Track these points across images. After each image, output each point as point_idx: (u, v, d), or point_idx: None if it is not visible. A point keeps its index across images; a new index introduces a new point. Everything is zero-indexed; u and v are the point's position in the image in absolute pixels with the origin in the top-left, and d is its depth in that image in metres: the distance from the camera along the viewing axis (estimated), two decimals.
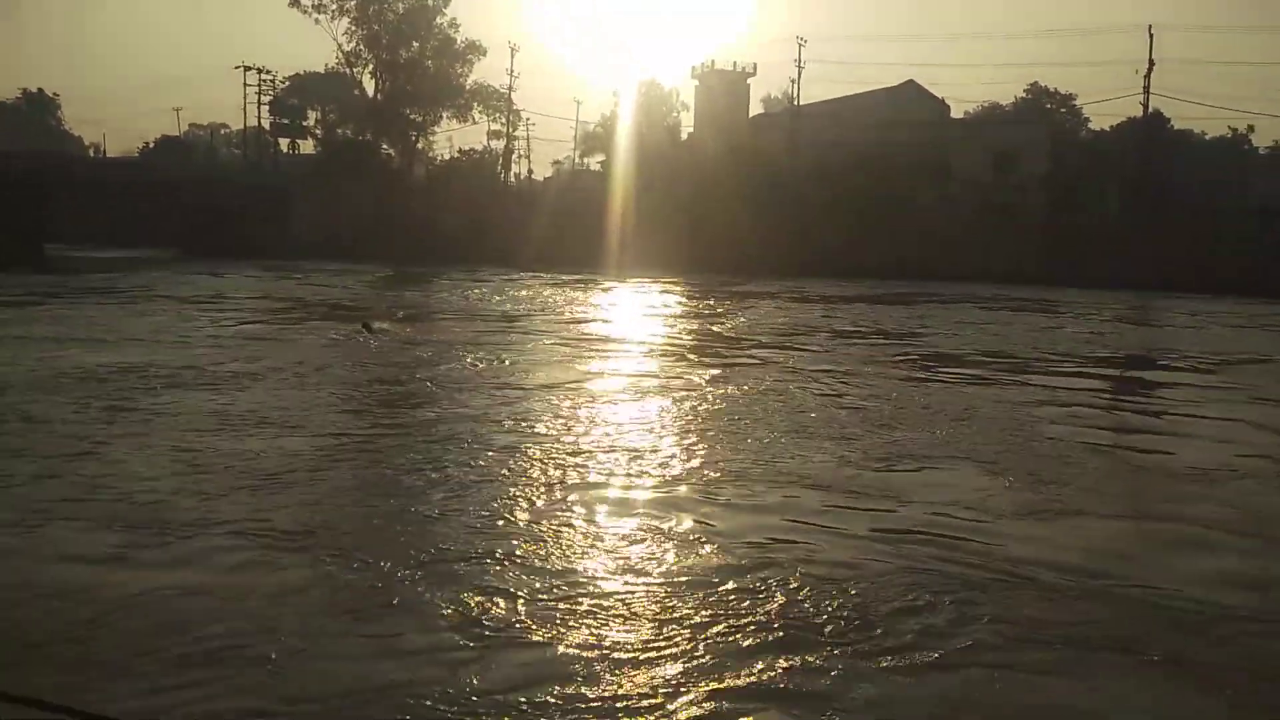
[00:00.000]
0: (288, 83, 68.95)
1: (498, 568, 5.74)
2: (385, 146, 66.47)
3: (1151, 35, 50.58)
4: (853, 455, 9.04)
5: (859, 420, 10.64)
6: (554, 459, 8.45)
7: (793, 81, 58.90)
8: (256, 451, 8.30)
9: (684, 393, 12.11)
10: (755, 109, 72.70)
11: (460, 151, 71.56)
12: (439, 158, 71.38)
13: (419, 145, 68.13)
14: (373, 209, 51.32)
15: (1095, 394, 13.52)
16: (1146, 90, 51.53)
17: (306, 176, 60.37)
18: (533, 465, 8.25)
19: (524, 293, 29.68)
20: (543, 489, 7.54)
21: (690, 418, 10.58)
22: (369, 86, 65.22)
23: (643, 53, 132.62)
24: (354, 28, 63.02)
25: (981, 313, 25.98)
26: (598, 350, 16.47)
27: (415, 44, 63.79)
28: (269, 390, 11.38)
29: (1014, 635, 5.05)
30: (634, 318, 22.64)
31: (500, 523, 6.65)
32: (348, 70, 65.18)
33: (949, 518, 7.14)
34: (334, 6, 62.45)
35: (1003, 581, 5.82)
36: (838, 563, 6.06)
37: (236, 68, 65.23)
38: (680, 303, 27.14)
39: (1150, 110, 53.33)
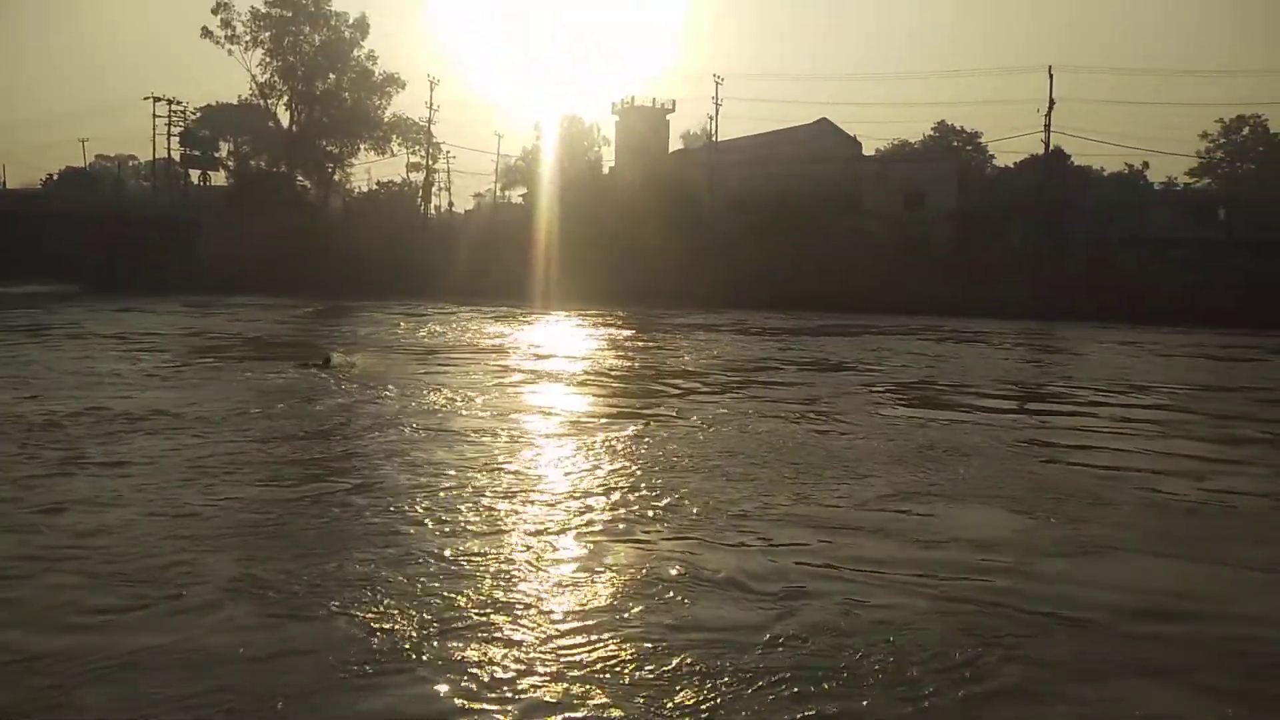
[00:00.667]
0: (199, 114, 67.64)
1: (509, 629, 5.28)
2: (301, 178, 65.60)
3: (1051, 76, 52.96)
4: (868, 494, 8.58)
5: (862, 457, 10.15)
6: (559, 505, 7.93)
7: (711, 118, 60.03)
8: (239, 500, 7.68)
9: (671, 431, 11.47)
10: (675, 144, 73.89)
11: (379, 184, 71.05)
12: (357, 190, 70.73)
13: (336, 177, 67.42)
14: (288, 242, 50.42)
15: (1087, 425, 13.10)
16: (1047, 128, 53.86)
17: (218, 209, 59.11)
18: (534, 510, 7.76)
19: (464, 326, 29.04)
20: (549, 539, 7.01)
21: (683, 458, 9.89)
22: (284, 118, 64.49)
23: (563, 88, 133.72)
24: (268, 59, 62.38)
25: (924, 344, 26.11)
26: (570, 387, 15.73)
27: (332, 75, 63.29)
28: (237, 431, 10.63)
29: (1092, 677, 4.87)
30: (589, 352, 21.91)
31: (502, 581, 6.04)
32: (262, 101, 64.29)
33: (988, 558, 6.80)
34: (248, 38, 61.78)
35: (1065, 622, 5.62)
36: (880, 606, 5.76)
37: (146, 98, 63.84)
38: (628, 336, 26.56)
39: (1051, 147, 55.69)
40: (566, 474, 9.07)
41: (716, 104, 59.10)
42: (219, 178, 69.91)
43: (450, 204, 79.31)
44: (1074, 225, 52.11)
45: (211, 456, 9.27)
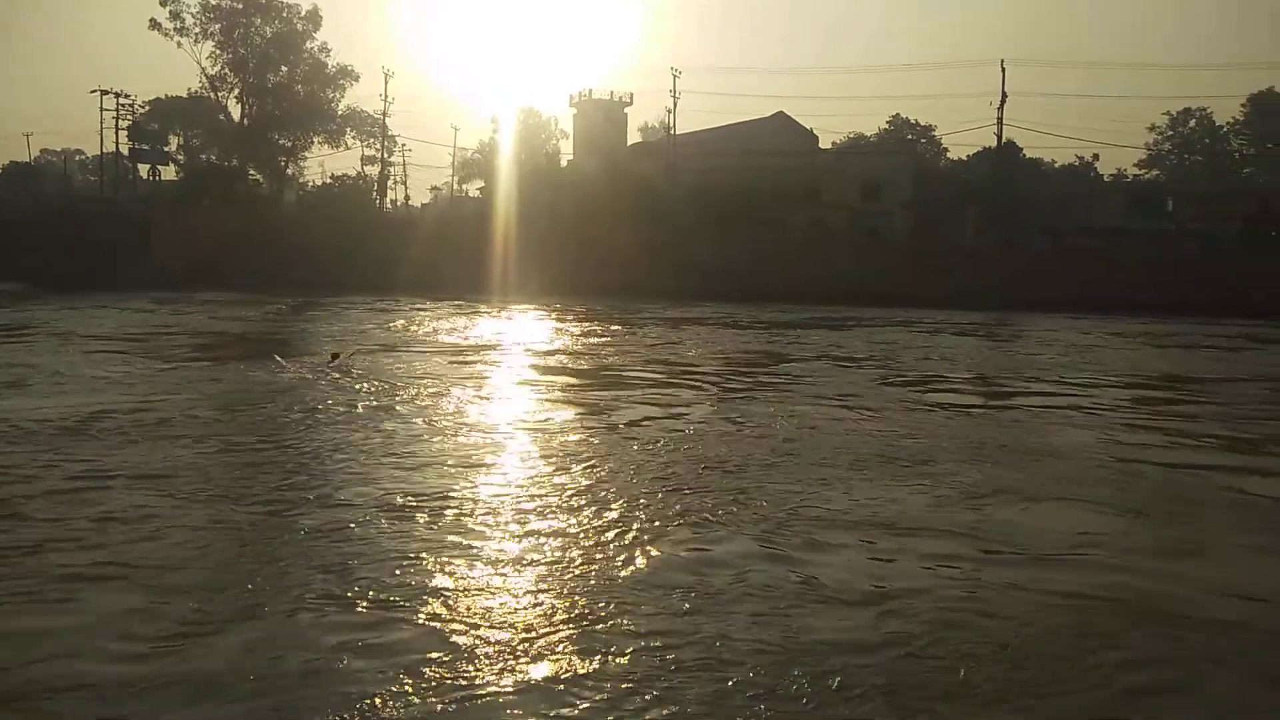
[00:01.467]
0: (148, 107, 66.26)
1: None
2: (253, 172, 64.60)
3: (1004, 70, 53.63)
4: (943, 493, 8.10)
5: (920, 455, 9.61)
6: (641, 508, 7.39)
7: (669, 111, 60.01)
8: (313, 520, 6.92)
9: (725, 428, 10.94)
10: (633, 137, 74.00)
11: (333, 177, 70.21)
12: (311, 184, 69.86)
13: (289, 171, 66.51)
14: (241, 237, 49.62)
15: (1131, 417, 12.93)
16: (1000, 121, 54.50)
17: (169, 204, 58.00)
18: (625, 513, 7.21)
19: (448, 320, 28.12)
20: (644, 545, 6.46)
21: (747, 456, 9.28)
22: (235, 111, 63.45)
23: (520, 80, 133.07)
24: (218, 51, 61.33)
25: (917, 335, 26.03)
26: (596, 385, 14.82)
27: (284, 68, 62.37)
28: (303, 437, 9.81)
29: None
30: (589, 348, 20.84)
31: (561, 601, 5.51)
32: (212, 94, 63.18)
33: (1090, 557, 6.53)
34: (197, 29, 60.70)
35: (1186, 622, 5.39)
36: (992, 615, 5.41)
37: (93, 91, 62.44)
38: (617, 331, 25.53)
39: (1003, 140, 56.41)
40: (633, 477, 8.46)
41: (674, 97, 59.17)
42: (169, 172, 68.64)
43: (406, 197, 78.72)
44: (1026, 216, 52.89)
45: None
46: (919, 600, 5.57)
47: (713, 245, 45.54)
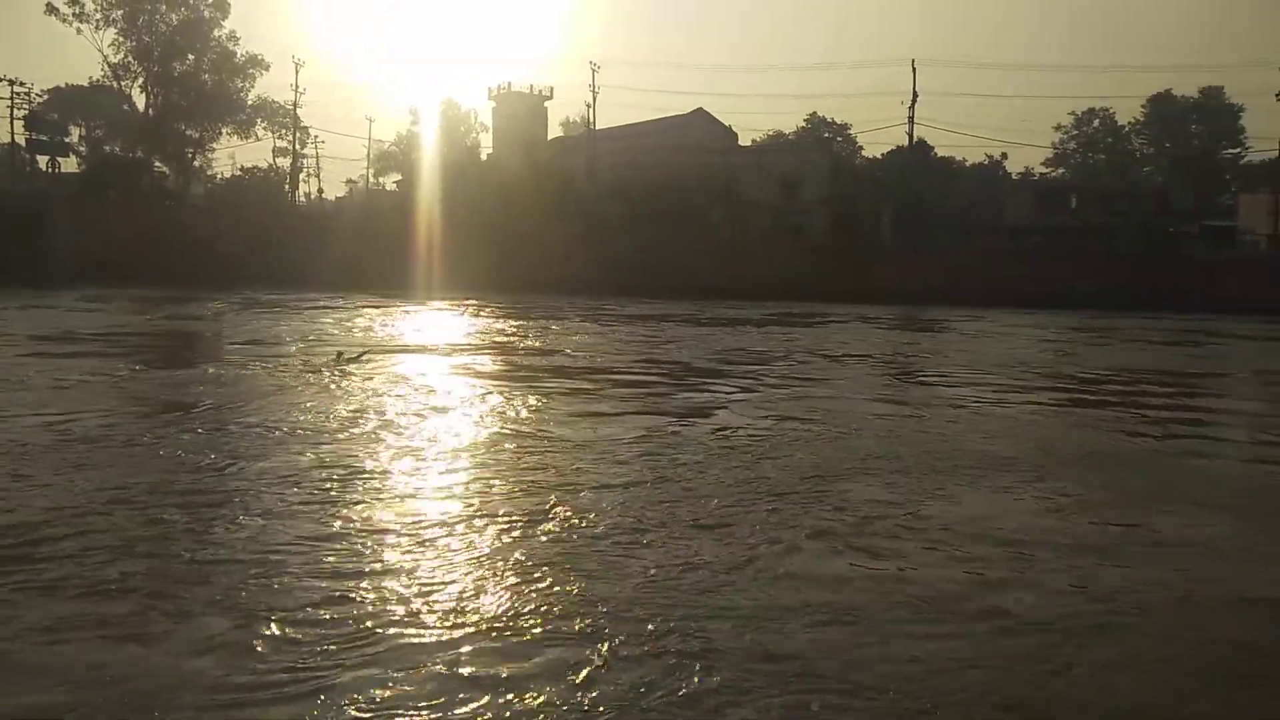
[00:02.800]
0: (46, 96, 63.55)
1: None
2: (159, 164, 62.51)
3: (915, 69, 54.78)
4: (1047, 503, 7.64)
5: (990, 458, 9.15)
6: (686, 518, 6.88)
7: (588, 106, 59.82)
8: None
9: (775, 427, 10.52)
10: (554, 131, 73.58)
11: (243, 169, 68.35)
12: (220, 176, 67.96)
13: (196, 163, 64.62)
14: (146, 230, 47.96)
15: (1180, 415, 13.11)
16: (911, 120, 55.67)
17: (69, 196, 55.77)
18: (695, 528, 6.70)
19: (404, 319, 27.06)
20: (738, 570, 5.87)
21: (828, 460, 8.85)
22: (139, 101, 61.27)
23: (438, 72, 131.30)
24: (121, 39, 59.08)
25: (892, 334, 26.42)
26: (598, 387, 14.08)
27: (191, 57, 60.42)
28: (347, 446, 9.19)
29: None
30: (574, 347, 20.12)
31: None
32: (115, 84, 60.88)
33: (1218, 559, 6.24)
34: (98, 16, 58.40)
35: None
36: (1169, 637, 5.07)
37: None
38: (586, 329, 24.83)
39: (915, 139, 57.64)
40: (699, 485, 7.95)
41: (594, 91, 58.99)
42: (70, 164, 65.98)
43: (320, 190, 77.09)
44: (938, 213, 54.18)
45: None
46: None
47: (637, 241, 45.66)
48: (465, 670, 4.33)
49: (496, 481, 7.87)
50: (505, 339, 21.87)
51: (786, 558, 6.07)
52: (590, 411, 11.64)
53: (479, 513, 6.86)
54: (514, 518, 6.72)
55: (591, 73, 58.68)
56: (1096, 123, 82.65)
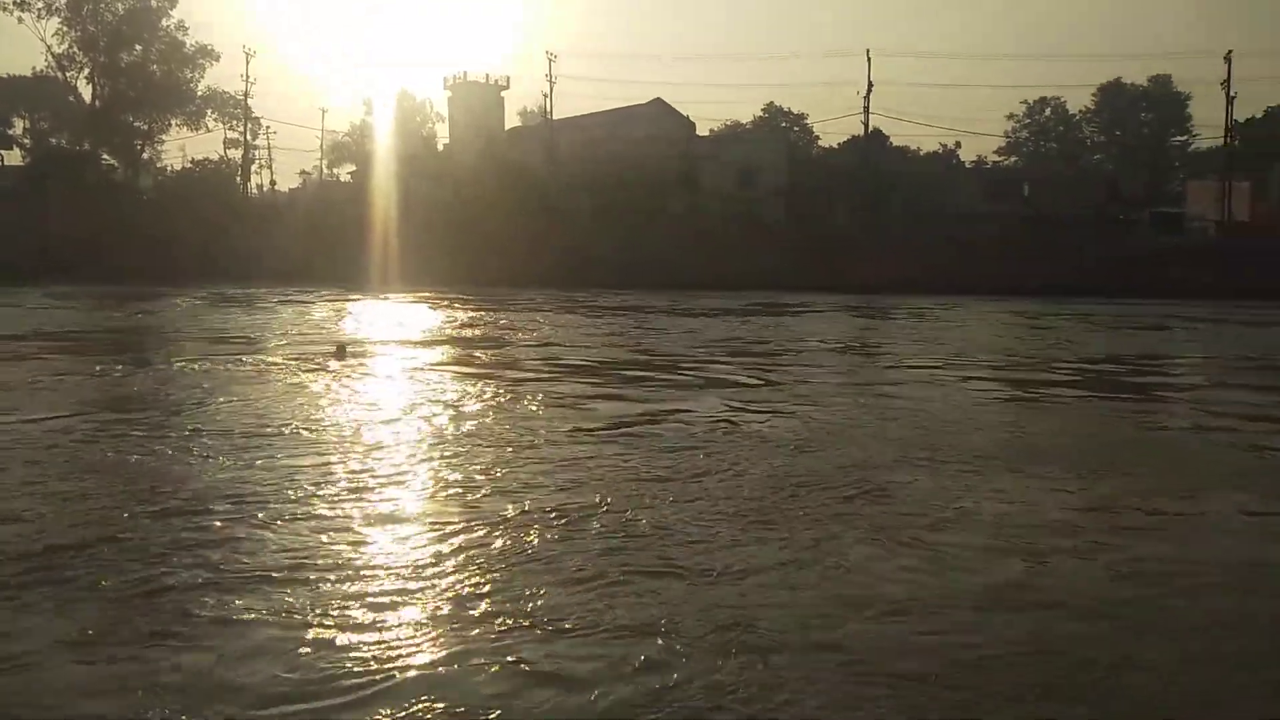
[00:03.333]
0: None
1: None
2: (107, 157, 61.29)
3: (870, 59, 55.20)
4: (1088, 491, 7.44)
5: (1027, 451, 8.93)
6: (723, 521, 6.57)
7: (546, 96, 59.57)
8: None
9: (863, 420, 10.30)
10: (512, 121, 73.07)
11: (194, 161, 67.19)
12: (170, 168, 66.76)
13: (145, 155, 63.37)
14: (94, 224, 47.08)
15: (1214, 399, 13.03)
16: (867, 110, 56.18)
17: (13, 190, 54.53)
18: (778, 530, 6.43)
19: (382, 312, 26.63)
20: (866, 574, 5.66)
21: (925, 450, 8.61)
22: (86, 92, 59.99)
23: (391, 62, 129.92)
24: (66, 28, 57.83)
25: (872, 320, 26.52)
26: (621, 382, 13.67)
27: (138, 47, 59.34)
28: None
29: None
30: (567, 341, 19.62)
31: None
32: (60, 74, 59.56)
33: None
34: (40, 5, 57.06)
35: None
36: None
37: None
38: (568, 321, 24.38)
39: (870, 129, 58.16)
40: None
41: (551, 81, 58.79)
42: (14, 157, 64.45)
43: (273, 182, 75.92)
44: (892, 202, 54.75)
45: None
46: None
47: (599, 232, 45.60)
48: (528, 667, 4.27)
49: (532, 479, 7.66)
50: (499, 333, 21.35)
51: (837, 550, 5.97)
52: (606, 402, 11.47)
53: (523, 511, 6.68)
54: (555, 517, 6.56)
55: (548, 62, 58.51)
56: (1048, 111, 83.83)
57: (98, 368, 13.99)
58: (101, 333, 20.60)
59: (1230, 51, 51.58)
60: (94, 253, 44.47)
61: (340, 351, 15.61)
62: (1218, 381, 15.64)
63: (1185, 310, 31.87)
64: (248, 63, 59.51)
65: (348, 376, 13.39)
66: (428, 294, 34.72)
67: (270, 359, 15.27)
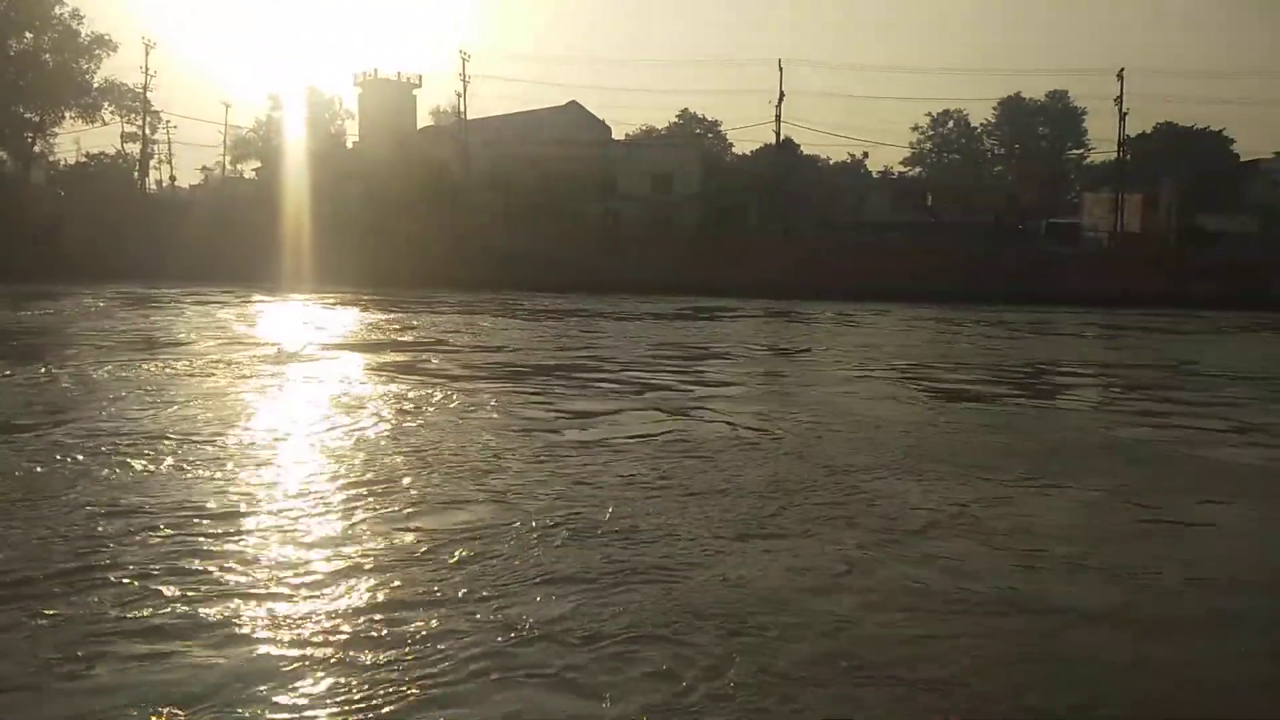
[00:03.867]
0: None
1: None
2: None
3: (781, 69, 56.07)
4: (1084, 500, 7.50)
5: (997, 452, 9.15)
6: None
7: (459, 95, 58.90)
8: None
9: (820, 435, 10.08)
10: (424, 121, 72.03)
11: (89, 155, 64.47)
12: (63, 162, 63.96)
13: (37, 148, 60.53)
14: None
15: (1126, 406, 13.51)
16: (778, 119, 57.01)
17: None
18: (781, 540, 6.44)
19: (299, 314, 25.84)
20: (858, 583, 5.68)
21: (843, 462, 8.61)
22: None
23: (298, 56, 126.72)
24: None
25: (797, 326, 26.79)
26: (556, 382, 13.62)
27: (29, 35, 56.63)
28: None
29: None
30: (509, 342, 19.51)
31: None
32: None
33: None
34: None
35: None
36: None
37: None
38: (512, 324, 24.17)
39: (782, 137, 59.09)
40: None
41: (464, 80, 58.11)
42: None
43: (173, 177, 73.36)
44: (804, 210, 55.75)
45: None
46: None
47: (513, 234, 45.25)
48: (546, 671, 4.29)
49: (523, 487, 7.55)
50: (439, 336, 20.80)
51: (838, 556, 5.99)
52: (576, 410, 11.29)
53: (516, 521, 6.58)
54: (548, 526, 6.48)
55: (462, 62, 57.87)
56: (951, 124, 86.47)
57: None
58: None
59: (1123, 69, 53.86)
60: None
61: (280, 354, 15.44)
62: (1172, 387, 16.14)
63: (1081, 316, 33.23)
64: (147, 54, 57.44)
65: (289, 381, 13.09)
66: (341, 294, 33.97)
67: (201, 362, 14.68)
